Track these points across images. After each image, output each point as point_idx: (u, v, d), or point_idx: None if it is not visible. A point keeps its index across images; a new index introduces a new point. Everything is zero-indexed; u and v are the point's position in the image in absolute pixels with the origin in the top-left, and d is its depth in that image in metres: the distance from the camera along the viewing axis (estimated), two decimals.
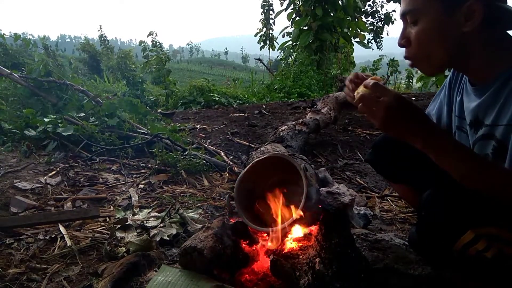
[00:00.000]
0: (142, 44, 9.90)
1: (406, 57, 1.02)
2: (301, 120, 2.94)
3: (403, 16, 0.98)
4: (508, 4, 0.90)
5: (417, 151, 0.88)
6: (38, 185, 2.11)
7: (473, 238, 0.91)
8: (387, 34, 13.78)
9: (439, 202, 0.96)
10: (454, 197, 0.93)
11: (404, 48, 1.01)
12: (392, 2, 12.18)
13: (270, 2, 15.65)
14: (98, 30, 16.74)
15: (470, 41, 0.91)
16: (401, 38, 1.00)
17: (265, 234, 1.26)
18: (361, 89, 0.95)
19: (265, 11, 15.72)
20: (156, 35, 10.01)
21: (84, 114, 3.18)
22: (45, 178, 2.22)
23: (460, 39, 0.91)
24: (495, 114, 0.90)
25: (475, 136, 1.00)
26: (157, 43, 9.91)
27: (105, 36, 16.71)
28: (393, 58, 11.28)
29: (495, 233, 0.90)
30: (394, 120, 0.88)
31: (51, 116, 3.04)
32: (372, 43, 13.55)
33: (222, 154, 2.82)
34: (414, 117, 0.88)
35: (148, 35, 10.06)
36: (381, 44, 13.87)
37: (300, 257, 1.10)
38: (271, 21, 15.77)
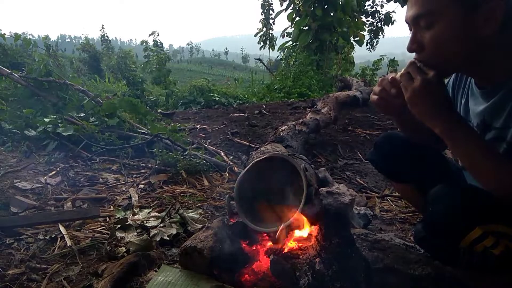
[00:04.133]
0: (144, 44, 9.94)
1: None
2: (301, 120, 2.94)
3: (416, 19, 0.92)
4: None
5: (419, 150, 0.88)
6: (38, 185, 2.11)
7: (481, 234, 0.91)
8: (383, 36, 13.72)
9: (447, 198, 0.95)
10: (462, 194, 0.93)
11: (414, 53, 0.97)
12: (392, 2, 12.13)
13: (270, 2, 15.66)
14: (100, 30, 16.77)
15: (486, 44, 0.89)
16: (411, 42, 0.96)
17: (265, 234, 1.26)
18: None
19: (265, 11, 15.73)
20: (158, 35, 10.06)
21: (84, 114, 3.18)
22: (45, 178, 2.22)
23: (479, 42, 0.88)
24: (505, 117, 0.90)
25: None
26: (158, 43, 9.95)
27: (106, 35, 16.72)
28: (393, 58, 11.28)
29: (503, 231, 0.90)
30: (418, 101, 0.92)
31: (51, 116, 3.04)
32: (368, 44, 13.55)
33: (222, 154, 2.82)
34: (438, 103, 0.90)
35: (150, 35, 10.12)
36: (377, 43, 13.85)
37: (300, 257, 1.10)
38: (271, 21, 15.78)
